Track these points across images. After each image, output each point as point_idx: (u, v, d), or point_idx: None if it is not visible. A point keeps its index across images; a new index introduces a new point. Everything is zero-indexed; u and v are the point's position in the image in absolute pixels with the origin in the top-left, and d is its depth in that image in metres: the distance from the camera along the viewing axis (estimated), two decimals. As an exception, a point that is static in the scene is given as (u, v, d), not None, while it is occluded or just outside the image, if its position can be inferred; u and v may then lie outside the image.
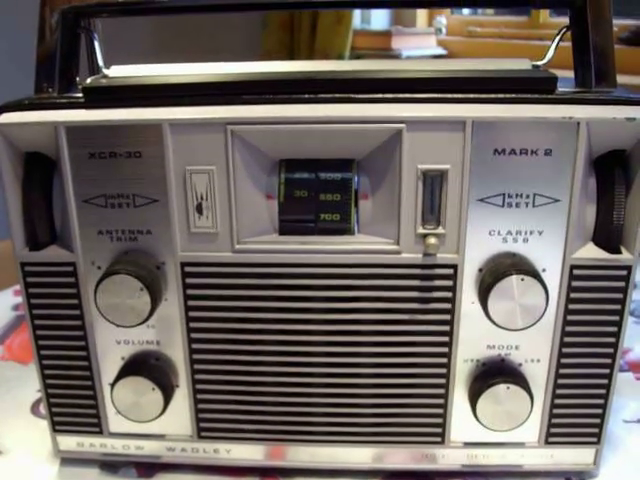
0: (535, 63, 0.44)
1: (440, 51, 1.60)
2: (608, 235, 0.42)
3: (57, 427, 0.48)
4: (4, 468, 0.49)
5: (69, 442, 0.49)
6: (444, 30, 1.62)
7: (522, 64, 0.44)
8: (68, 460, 0.49)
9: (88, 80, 0.44)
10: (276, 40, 1.53)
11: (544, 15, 1.50)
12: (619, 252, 0.42)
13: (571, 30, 0.44)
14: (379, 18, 1.55)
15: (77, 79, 0.45)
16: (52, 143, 0.42)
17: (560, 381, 0.45)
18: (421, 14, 1.59)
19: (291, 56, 1.54)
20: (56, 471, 0.49)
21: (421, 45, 1.57)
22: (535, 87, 0.41)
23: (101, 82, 0.43)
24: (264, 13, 1.50)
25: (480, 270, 0.43)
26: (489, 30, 1.50)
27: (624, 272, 0.42)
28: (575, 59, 0.44)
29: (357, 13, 1.50)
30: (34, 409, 0.56)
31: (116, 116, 0.41)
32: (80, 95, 0.42)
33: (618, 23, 1.42)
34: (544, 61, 0.44)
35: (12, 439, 0.52)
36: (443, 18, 1.61)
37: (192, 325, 0.45)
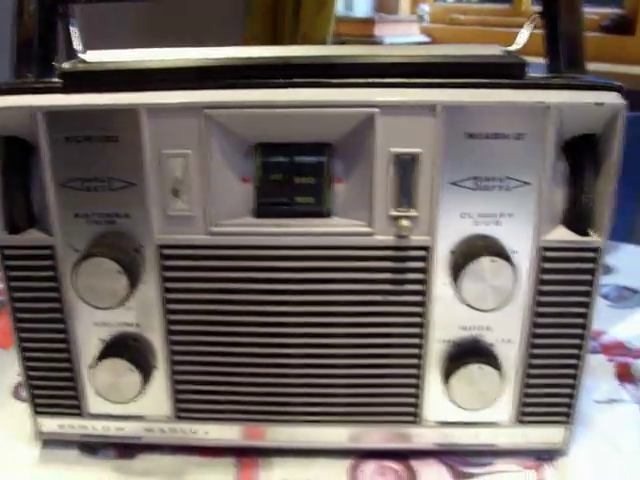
0: (506, 49, 0.45)
1: (423, 38, 1.60)
2: (578, 218, 0.43)
3: (38, 409, 0.49)
4: (-16, 451, 0.50)
5: (50, 424, 0.49)
6: (427, 17, 1.63)
7: (493, 49, 0.44)
8: (49, 442, 0.50)
9: (65, 65, 0.44)
10: (260, 26, 1.53)
11: (526, 3, 1.51)
12: (588, 235, 0.43)
13: (543, 16, 0.45)
14: (362, 5, 1.55)
15: (55, 64, 0.46)
16: (29, 127, 0.42)
17: (531, 361, 0.46)
18: (404, 1, 1.60)
19: (274, 42, 1.55)
20: (37, 454, 0.49)
21: (404, 32, 1.57)
22: (504, 72, 0.42)
23: (78, 67, 0.43)
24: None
25: (452, 252, 0.43)
26: (472, 17, 1.50)
27: (593, 254, 0.43)
28: (546, 45, 0.45)
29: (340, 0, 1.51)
30: (15, 392, 0.56)
31: (93, 101, 0.41)
32: (57, 80, 0.43)
33: (599, 11, 1.43)
34: (515, 47, 0.45)
35: (-9, 422, 0.53)
36: (426, 5, 1.61)
37: (170, 307, 0.45)
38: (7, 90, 0.42)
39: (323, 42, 1.46)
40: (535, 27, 0.45)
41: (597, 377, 0.58)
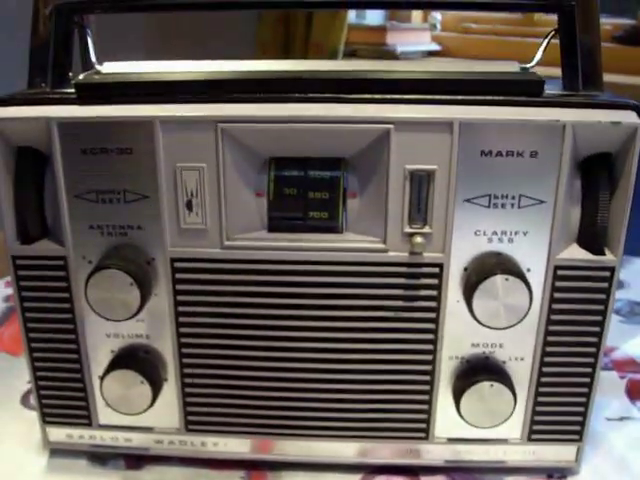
0: (523, 66, 0.44)
1: (435, 47, 1.60)
2: (592, 237, 0.43)
3: (47, 418, 0.49)
4: (-7, 459, 0.50)
5: (58, 433, 0.49)
6: (439, 26, 1.63)
7: (510, 66, 0.44)
8: (57, 451, 0.50)
9: (81, 76, 0.44)
10: (271, 34, 1.53)
11: (539, 13, 1.51)
12: (603, 253, 0.43)
13: (559, 33, 0.44)
14: (374, 13, 1.55)
15: (70, 74, 0.46)
16: (44, 138, 0.42)
17: (543, 379, 0.46)
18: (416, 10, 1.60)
19: (286, 50, 1.55)
20: (45, 462, 0.49)
21: (416, 41, 1.57)
22: (522, 90, 0.42)
23: (93, 78, 0.43)
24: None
25: (465, 269, 0.43)
26: (484, 27, 1.50)
27: (607, 273, 0.43)
28: (563, 62, 0.45)
29: (353, 7, 1.50)
30: (24, 400, 0.56)
31: (108, 112, 0.41)
32: (72, 91, 0.43)
33: (612, 22, 1.43)
34: (532, 64, 0.44)
35: (1, 430, 0.53)
36: (438, 14, 1.61)
37: (181, 320, 0.45)
38: (22, 100, 0.43)
39: (335, 50, 1.46)
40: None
41: (608, 394, 0.58)
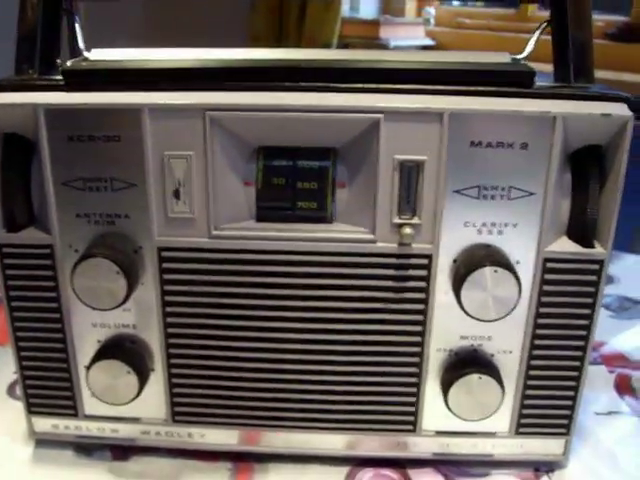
0: (515, 57, 0.44)
1: (428, 42, 1.60)
2: (582, 229, 0.43)
3: (32, 409, 0.48)
4: (-23, 449, 0.49)
5: (44, 424, 0.49)
6: (432, 21, 1.62)
7: (502, 57, 0.44)
8: (43, 442, 0.50)
9: (68, 62, 0.44)
10: (264, 24, 1.52)
11: (532, 8, 1.50)
12: (592, 246, 0.43)
13: (551, 25, 0.44)
14: (368, 7, 1.54)
15: (58, 61, 0.45)
16: (31, 125, 0.41)
17: (531, 372, 0.45)
18: (410, 4, 1.59)
19: (278, 42, 1.54)
20: (30, 453, 0.49)
21: (409, 35, 1.56)
22: (513, 81, 0.41)
23: (81, 65, 0.43)
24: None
25: (454, 261, 0.43)
26: (477, 22, 1.50)
27: (597, 266, 0.43)
28: (555, 54, 0.44)
29: (346, 0, 1.50)
30: (10, 390, 0.56)
31: (95, 100, 0.41)
32: (60, 77, 0.42)
33: (605, 19, 1.43)
34: (523, 55, 0.44)
35: (-15, 420, 0.52)
36: (432, 9, 1.61)
37: (168, 310, 0.45)
38: (8, 86, 0.42)
39: (328, 43, 1.46)
40: (544, 34, 0.45)
41: (597, 388, 0.58)
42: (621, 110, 0.41)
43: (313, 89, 0.41)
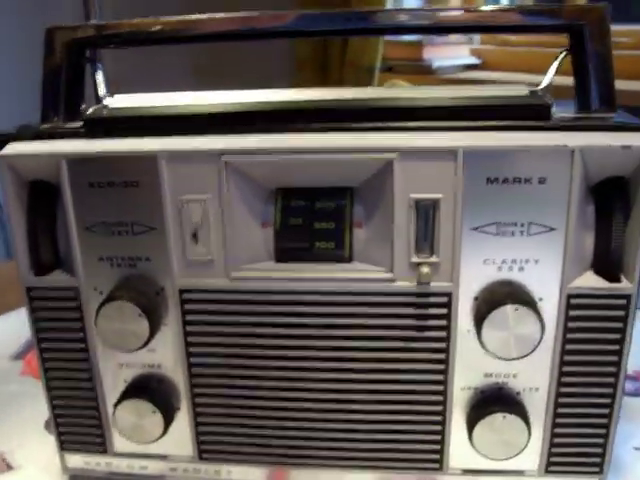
0: (533, 89, 0.43)
1: (473, 60, 1.58)
2: (607, 263, 0.42)
3: (64, 446, 0.49)
4: (14, 484, 0.51)
5: (76, 460, 0.50)
6: (477, 39, 1.61)
7: (519, 90, 0.43)
8: (76, 478, 0.51)
9: (90, 110, 0.45)
10: (309, 50, 1.53)
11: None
12: (619, 280, 0.42)
13: (571, 54, 0.43)
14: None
15: (83, 106, 0.47)
16: (54, 172, 0.43)
17: (560, 410, 0.44)
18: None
19: (323, 67, 1.55)
20: (64, 488, 0.50)
21: (453, 55, 1.55)
22: (528, 114, 0.41)
23: (101, 112, 0.44)
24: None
25: (476, 299, 0.42)
26: (522, 38, 1.48)
27: (623, 301, 0.42)
28: (575, 83, 0.43)
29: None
30: (48, 425, 0.57)
31: (113, 147, 0.42)
32: (81, 125, 0.43)
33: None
34: (541, 86, 0.43)
35: (24, 455, 0.54)
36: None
37: (191, 350, 0.45)
38: (32, 135, 0.43)
39: (372, 66, 1.46)
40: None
41: (637, 422, 0.55)
42: (643, 141, 0.39)
43: (325, 129, 0.41)
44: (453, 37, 1.55)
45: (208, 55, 1.39)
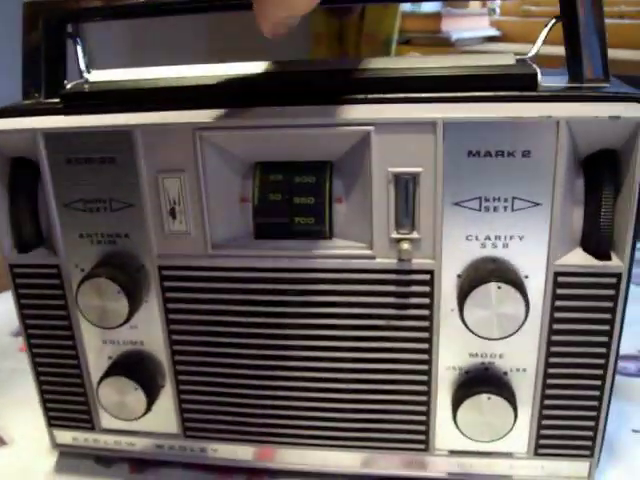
0: (520, 57, 0.42)
1: (493, 32, 1.54)
2: (596, 240, 0.40)
3: (52, 422, 0.50)
4: (5, 458, 0.51)
5: (65, 436, 0.50)
6: (498, 10, 1.57)
7: (505, 59, 0.41)
8: (66, 453, 0.51)
9: (68, 85, 0.44)
10: (325, 23, 1.51)
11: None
12: (608, 258, 0.40)
13: (562, 21, 0.41)
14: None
15: (65, 82, 0.46)
16: (34, 149, 0.42)
17: (548, 391, 0.43)
18: (476, -6, 1.54)
19: (340, 41, 1.52)
20: (54, 463, 0.50)
21: (473, 27, 1.51)
22: (513, 84, 0.39)
23: (78, 88, 0.43)
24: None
25: (459, 276, 0.41)
26: (544, 9, 1.43)
27: (614, 280, 0.40)
28: (566, 51, 0.41)
29: (409, -6, 1.47)
30: (42, 402, 0.57)
31: (89, 122, 0.41)
32: (59, 101, 0.43)
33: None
34: (530, 54, 0.41)
35: (18, 430, 0.54)
36: (499, -1, 1.55)
37: (172, 327, 0.45)
38: (12, 112, 0.43)
39: (389, 40, 1.43)
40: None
41: (637, 403, 0.54)
42: (634, 111, 0.37)
43: (302, 103, 0.40)
44: (474, 8, 1.51)
45: (222, 31, 1.37)
